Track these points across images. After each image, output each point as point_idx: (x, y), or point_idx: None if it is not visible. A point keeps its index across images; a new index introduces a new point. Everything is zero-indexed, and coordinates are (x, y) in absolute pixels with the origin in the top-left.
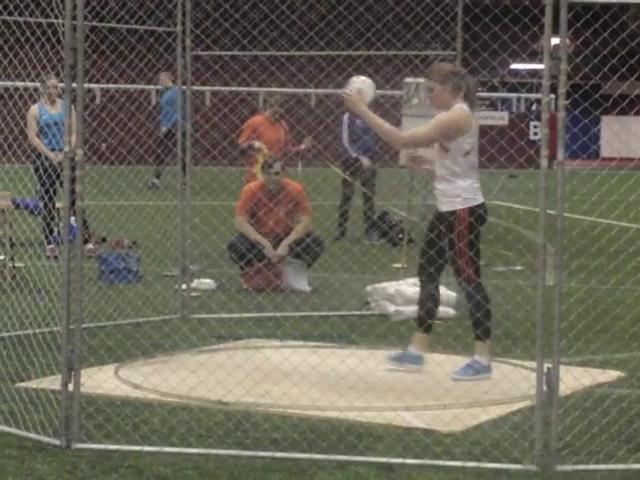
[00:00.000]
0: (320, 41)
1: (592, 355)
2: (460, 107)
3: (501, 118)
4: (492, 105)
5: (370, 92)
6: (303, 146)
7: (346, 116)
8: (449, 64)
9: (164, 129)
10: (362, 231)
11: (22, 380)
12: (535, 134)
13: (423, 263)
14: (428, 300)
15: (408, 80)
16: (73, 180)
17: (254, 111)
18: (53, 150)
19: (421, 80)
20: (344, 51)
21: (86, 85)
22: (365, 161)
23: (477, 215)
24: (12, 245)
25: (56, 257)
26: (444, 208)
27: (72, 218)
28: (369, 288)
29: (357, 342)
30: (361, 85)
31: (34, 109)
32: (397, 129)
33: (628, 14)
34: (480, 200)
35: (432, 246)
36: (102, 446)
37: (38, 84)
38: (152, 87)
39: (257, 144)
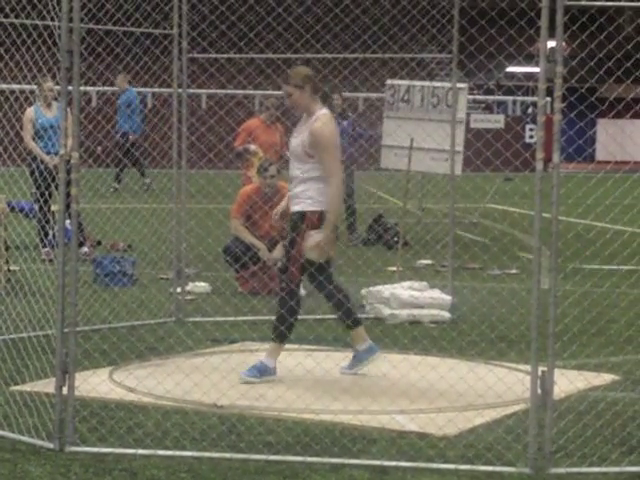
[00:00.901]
0: (316, 44)
1: (587, 358)
2: (326, 114)
3: (497, 121)
4: (488, 108)
5: (315, 238)
6: None
7: None
8: (305, 68)
9: (130, 136)
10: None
11: (16, 383)
12: (531, 137)
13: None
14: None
15: (390, 82)
16: (68, 183)
17: (250, 114)
18: (49, 153)
19: (404, 82)
20: (340, 54)
21: (82, 88)
22: None
23: (323, 217)
24: (7, 248)
25: (51, 260)
26: (294, 209)
27: (67, 221)
28: (364, 291)
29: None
30: (315, 237)
31: (30, 112)
32: (331, 188)
33: (624, 17)
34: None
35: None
36: (96, 449)
37: (34, 87)
38: (148, 90)
39: (252, 147)
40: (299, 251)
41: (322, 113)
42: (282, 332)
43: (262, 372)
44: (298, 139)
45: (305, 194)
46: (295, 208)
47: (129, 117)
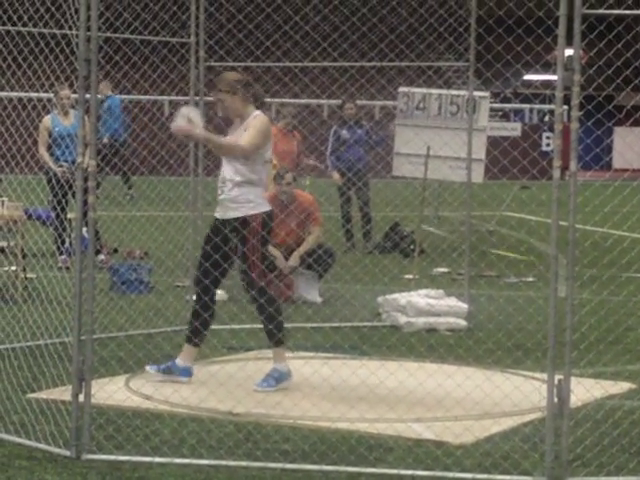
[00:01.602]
0: (333, 52)
1: (604, 367)
2: (261, 114)
3: (514, 129)
4: (505, 116)
5: (198, 117)
6: (311, 161)
7: (333, 128)
8: (234, 73)
9: (105, 139)
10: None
11: (33, 391)
12: (548, 145)
13: (200, 273)
14: (204, 311)
15: (403, 90)
16: (85, 191)
17: None
18: (66, 161)
19: (418, 90)
20: (357, 62)
21: (100, 96)
22: (335, 175)
23: (265, 220)
24: (24, 256)
25: (68, 268)
26: (233, 214)
27: (84, 229)
28: (380, 299)
29: (368, 353)
30: (189, 113)
31: (46, 120)
32: (235, 140)
33: None
34: (268, 207)
35: (212, 255)
36: (112, 457)
37: (51, 95)
38: (165, 98)
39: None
40: (258, 257)
41: (258, 113)
42: (280, 337)
43: (278, 379)
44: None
45: (244, 198)
46: (233, 214)
47: (113, 123)
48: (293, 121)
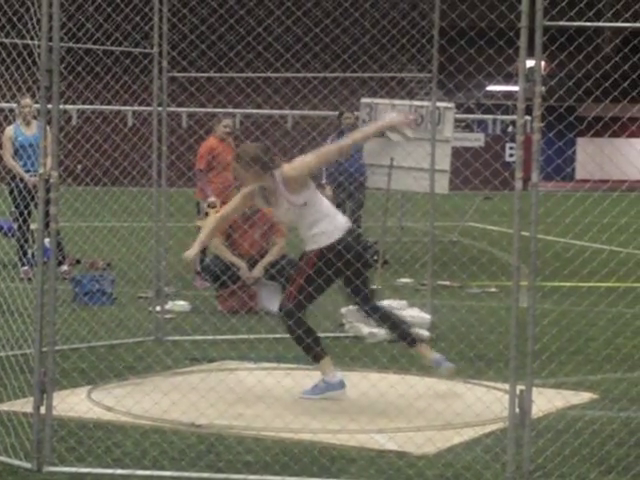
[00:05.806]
0: (296, 63)
1: (565, 377)
2: (280, 170)
3: (477, 139)
4: (468, 127)
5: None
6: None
7: (330, 139)
8: (254, 146)
9: None
10: None
11: None
12: (511, 156)
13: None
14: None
15: (365, 100)
16: (47, 202)
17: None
18: (28, 172)
19: (381, 101)
20: (320, 73)
21: (62, 106)
22: (327, 190)
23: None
24: None
25: (30, 279)
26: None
27: (46, 240)
28: (344, 310)
29: None
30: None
31: (9, 130)
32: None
33: (603, 37)
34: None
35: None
36: (74, 469)
37: (14, 105)
38: (128, 108)
39: (211, 199)
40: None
41: (277, 172)
42: (314, 354)
43: (324, 390)
44: (283, 206)
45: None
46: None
47: None
48: (230, 129)
